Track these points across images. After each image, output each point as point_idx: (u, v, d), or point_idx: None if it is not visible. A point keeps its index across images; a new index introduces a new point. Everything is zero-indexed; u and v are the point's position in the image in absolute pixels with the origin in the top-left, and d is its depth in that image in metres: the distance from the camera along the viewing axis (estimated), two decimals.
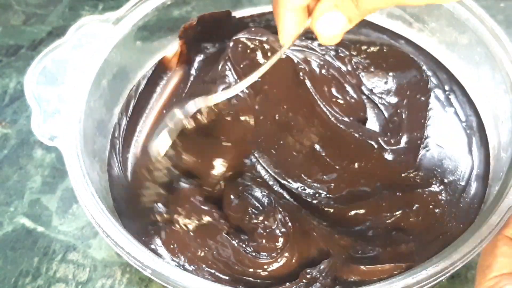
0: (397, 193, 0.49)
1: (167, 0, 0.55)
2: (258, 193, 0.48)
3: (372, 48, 0.59)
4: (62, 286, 0.53)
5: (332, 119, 0.53)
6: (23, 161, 0.61)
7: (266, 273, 0.45)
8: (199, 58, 0.59)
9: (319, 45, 0.58)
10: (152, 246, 0.46)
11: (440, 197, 0.49)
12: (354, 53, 0.59)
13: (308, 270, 0.44)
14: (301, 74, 0.54)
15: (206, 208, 0.47)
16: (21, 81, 0.67)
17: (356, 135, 0.52)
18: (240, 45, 0.55)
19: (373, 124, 0.56)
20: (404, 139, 0.53)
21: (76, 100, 0.48)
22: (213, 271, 0.45)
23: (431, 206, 0.48)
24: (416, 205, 0.49)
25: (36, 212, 0.57)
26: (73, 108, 0.47)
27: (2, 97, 0.66)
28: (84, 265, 0.53)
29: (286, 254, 0.45)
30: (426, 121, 0.53)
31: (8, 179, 0.60)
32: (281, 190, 0.51)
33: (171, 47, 0.59)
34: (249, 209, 0.47)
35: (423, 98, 0.55)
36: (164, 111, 0.57)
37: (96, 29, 0.51)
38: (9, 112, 0.65)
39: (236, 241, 0.45)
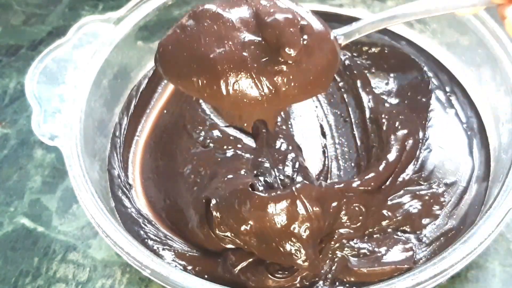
0: (398, 195, 0.49)
1: (168, 0, 0.55)
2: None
3: (373, 49, 0.59)
4: (62, 286, 0.52)
5: None
6: (23, 161, 0.61)
7: None
8: None
9: None
10: None
11: (441, 198, 0.49)
12: (356, 54, 0.59)
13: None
14: None
15: None
16: (21, 81, 0.66)
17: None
18: None
19: None
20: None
21: (77, 100, 0.48)
22: None
23: (432, 207, 0.48)
24: (418, 206, 0.48)
25: (36, 212, 0.57)
26: (73, 107, 0.47)
27: (2, 97, 0.66)
28: (84, 265, 0.53)
29: None
30: (427, 122, 0.53)
31: (8, 179, 0.59)
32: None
33: None
34: None
35: (424, 99, 0.55)
36: (165, 111, 0.57)
37: (97, 29, 0.51)
38: (9, 112, 0.65)
39: None
